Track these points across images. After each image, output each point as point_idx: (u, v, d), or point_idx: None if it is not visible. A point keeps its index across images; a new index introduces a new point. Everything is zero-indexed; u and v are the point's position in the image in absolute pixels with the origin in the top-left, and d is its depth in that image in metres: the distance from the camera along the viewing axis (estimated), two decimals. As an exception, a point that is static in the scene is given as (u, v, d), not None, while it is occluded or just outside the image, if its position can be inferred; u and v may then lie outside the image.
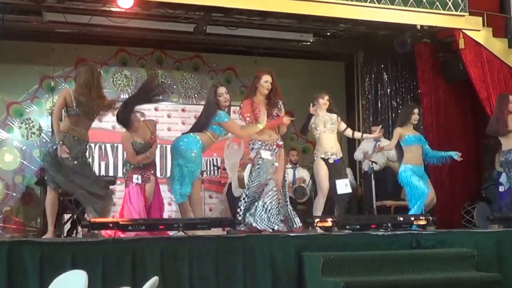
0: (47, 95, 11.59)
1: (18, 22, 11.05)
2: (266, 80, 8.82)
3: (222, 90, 8.44)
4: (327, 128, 9.40)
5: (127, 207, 9.23)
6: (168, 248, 7.04)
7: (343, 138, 10.41)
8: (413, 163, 9.83)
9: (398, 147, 10.03)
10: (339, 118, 9.66)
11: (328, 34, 12.45)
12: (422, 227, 8.68)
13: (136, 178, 9.26)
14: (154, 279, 4.60)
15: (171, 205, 11.27)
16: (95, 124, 11.50)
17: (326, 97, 9.52)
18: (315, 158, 9.43)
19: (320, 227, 8.16)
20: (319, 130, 9.38)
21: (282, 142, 8.90)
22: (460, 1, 11.01)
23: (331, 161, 9.27)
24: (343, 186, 9.24)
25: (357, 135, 10.07)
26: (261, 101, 8.81)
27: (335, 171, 9.27)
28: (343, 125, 9.69)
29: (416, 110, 9.96)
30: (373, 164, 10.69)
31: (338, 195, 9.25)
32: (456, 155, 9.92)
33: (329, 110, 9.55)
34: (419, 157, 9.88)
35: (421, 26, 11.24)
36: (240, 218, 8.55)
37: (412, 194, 9.78)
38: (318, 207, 9.24)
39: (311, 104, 9.53)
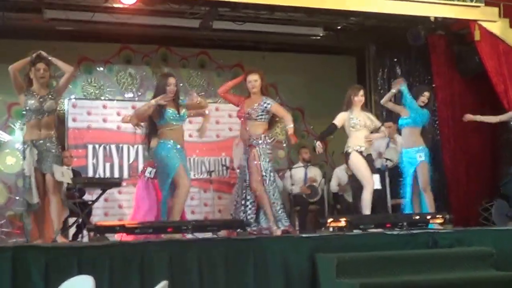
0: (49, 95, 11.42)
1: (18, 20, 10.91)
2: (249, 80, 8.83)
3: (172, 80, 8.39)
4: (367, 126, 9.23)
5: (137, 208, 8.96)
6: (176, 251, 6.93)
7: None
8: (404, 146, 9.76)
9: None
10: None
11: (339, 27, 12.20)
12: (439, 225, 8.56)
13: (149, 172, 8.90)
14: (164, 283, 4.48)
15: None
16: (100, 124, 11.48)
17: (361, 93, 9.33)
18: (348, 151, 9.15)
19: (333, 227, 8.04)
20: (354, 129, 9.17)
21: (254, 140, 8.68)
22: (475, -9, 10.78)
23: (365, 154, 9.13)
24: (378, 181, 9.17)
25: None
26: (254, 99, 8.82)
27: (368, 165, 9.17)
28: (378, 123, 9.49)
29: (426, 93, 9.74)
30: (388, 161, 10.42)
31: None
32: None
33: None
34: (410, 139, 9.64)
35: (435, 17, 10.97)
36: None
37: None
38: (367, 204, 8.96)
39: (346, 103, 9.32)
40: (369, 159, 9.18)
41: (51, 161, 7.54)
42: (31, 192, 7.49)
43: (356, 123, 9.14)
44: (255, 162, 8.58)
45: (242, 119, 8.84)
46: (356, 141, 9.15)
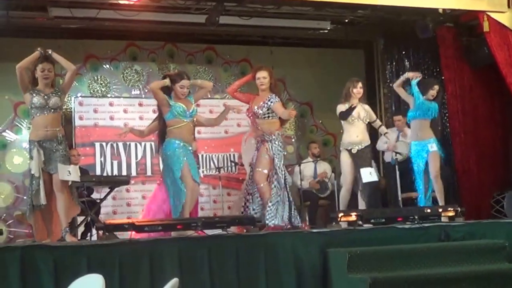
0: (55, 94, 11.39)
1: (23, 18, 10.87)
2: (258, 77, 8.78)
3: (185, 83, 8.28)
4: (361, 118, 9.26)
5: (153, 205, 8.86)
6: (186, 248, 6.91)
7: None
8: (413, 138, 9.71)
9: None
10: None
11: (346, 21, 12.13)
12: (450, 218, 8.49)
13: None
14: (174, 281, 4.39)
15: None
16: (106, 122, 11.43)
17: (359, 85, 9.36)
18: (340, 149, 9.32)
19: (344, 222, 8.04)
20: (348, 122, 9.21)
21: (269, 136, 8.64)
22: (483, -18, 10.66)
23: (354, 151, 9.14)
24: (368, 175, 9.08)
25: (382, 129, 9.75)
26: (262, 96, 8.78)
27: (359, 159, 9.15)
28: (373, 116, 9.54)
29: (436, 87, 9.67)
30: (397, 155, 10.36)
31: (363, 184, 9.13)
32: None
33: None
34: (420, 132, 9.57)
35: (443, 9, 10.91)
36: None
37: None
38: (341, 201, 9.16)
39: (344, 95, 9.34)
40: (361, 154, 9.18)
41: (58, 161, 7.46)
42: (39, 193, 7.43)
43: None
44: (266, 157, 8.53)
45: (251, 118, 8.83)
46: (348, 137, 9.22)
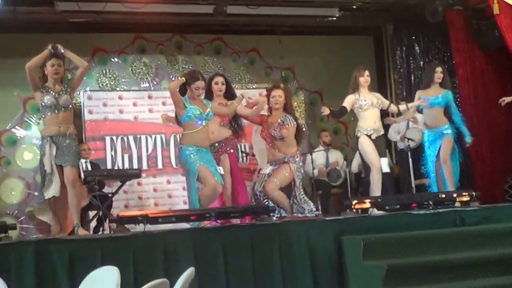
0: (64, 89, 11.38)
1: (30, 14, 10.89)
2: (273, 95, 8.77)
3: (200, 84, 8.14)
4: (375, 104, 9.18)
5: None
6: (200, 239, 6.88)
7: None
8: (428, 126, 9.65)
9: None
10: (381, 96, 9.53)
11: (354, 7, 12.10)
12: (465, 203, 8.40)
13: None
14: (190, 270, 4.45)
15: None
16: (116, 115, 11.40)
17: (366, 73, 9.28)
18: (358, 135, 9.20)
19: (358, 209, 7.95)
20: (361, 109, 9.14)
21: (290, 158, 8.64)
22: (492, -38, 10.56)
23: (373, 137, 9.09)
24: (384, 165, 9.07)
25: (402, 107, 9.68)
26: (275, 116, 8.77)
27: (376, 147, 9.11)
28: (386, 102, 9.48)
29: (439, 69, 9.60)
30: (410, 141, 10.30)
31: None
32: (469, 138, 9.64)
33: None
34: (435, 118, 9.54)
35: (452, -8, 10.82)
36: None
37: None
38: (376, 185, 8.99)
39: (351, 85, 9.28)
40: (378, 142, 9.14)
41: (71, 155, 7.45)
42: (51, 188, 7.42)
43: (363, 104, 9.11)
44: (287, 175, 8.56)
45: (268, 140, 8.78)
46: (365, 123, 9.13)
